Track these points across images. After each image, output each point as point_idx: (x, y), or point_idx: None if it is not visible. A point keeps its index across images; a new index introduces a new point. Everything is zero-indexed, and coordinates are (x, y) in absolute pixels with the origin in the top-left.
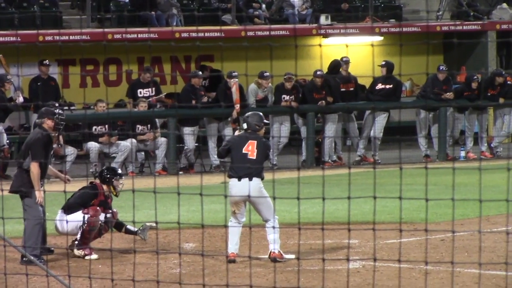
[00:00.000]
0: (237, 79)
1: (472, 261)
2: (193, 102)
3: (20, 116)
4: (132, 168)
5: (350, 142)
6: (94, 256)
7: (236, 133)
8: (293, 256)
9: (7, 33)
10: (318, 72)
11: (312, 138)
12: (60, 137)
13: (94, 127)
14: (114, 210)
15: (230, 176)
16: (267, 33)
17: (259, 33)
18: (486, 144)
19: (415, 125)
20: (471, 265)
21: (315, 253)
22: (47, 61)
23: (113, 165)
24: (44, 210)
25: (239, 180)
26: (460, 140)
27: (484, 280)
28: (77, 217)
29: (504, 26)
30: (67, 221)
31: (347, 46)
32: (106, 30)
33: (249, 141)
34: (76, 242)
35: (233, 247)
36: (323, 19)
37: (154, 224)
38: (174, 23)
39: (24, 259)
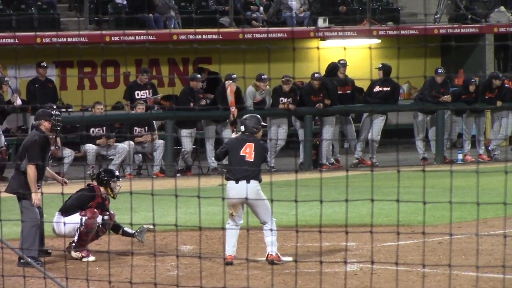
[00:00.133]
0: (231, 81)
1: (470, 264)
2: (191, 104)
3: (18, 118)
4: (130, 170)
5: (348, 144)
6: (91, 258)
7: (233, 135)
8: (290, 259)
9: (5, 35)
10: (316, 75)
11: (310, 140)
12: (58, 139)
13: (91, 129)
14: (112, 212)
15: (228, 179)
16: (265, 35)
17: (257, 35)
18: (483, 147)
19: (413, 128)
20: (468, 268)
21: (313, 255)
22: (44, 63)
23: (111, 167)
24: (42, 212)
25: (237, 182)
26: (458, 143)
27: (481, 283)
28: (75, 219)
29: (502, 29)
30: (64, 223)
31: (345, 48)
32: (104, 32)
33: (247, 143)
34: (74, 244)
35: (230, 249)
36: (321, 22)
37: (151, 226)
38: (172, 26)
39: (21, 261)
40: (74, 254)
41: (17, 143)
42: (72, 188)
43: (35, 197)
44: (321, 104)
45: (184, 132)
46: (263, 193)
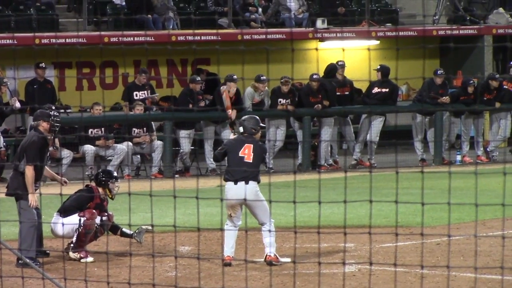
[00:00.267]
0: (225, 86)
1: (468, 265)
2: (190, 106)
3: (16, 119)
4: (128, 171)
5: (346, 146)
6: (89, 259)
7: (231, 136)
8: (289, 260)
9: (3, 35)
10: (314, 76)
11: (308, 141)
12: (56, 139)
13: (90, 130)
14: (110, 213)
15: (226, 180)
16: (264, 36)
17: (256, 36)
18: (482, 149)
19: (411, 129)
20: (466, 269)
21: (311, 256)
22: (43, 64)
23: (109, 168)
24: (40, 213)
25: (236, 183)
26: (456, 144)
27: (479, 284)
28: (73, 220)
29: (501, 31)
30: (63, 224)
31: (343, 50)
32: (102, 33)
33: (246, 144)
34: (72, 245)
35: (229, 250)
36: (319, 23)
37: (150, 227)
38: (171, 27)
39: (20, 261)
40: (72, 255)
41: (15, 144)
42: (71, 189)
43: (32, 198)
44: (319, 105)
45: (182, 133)
46: (261, 194)
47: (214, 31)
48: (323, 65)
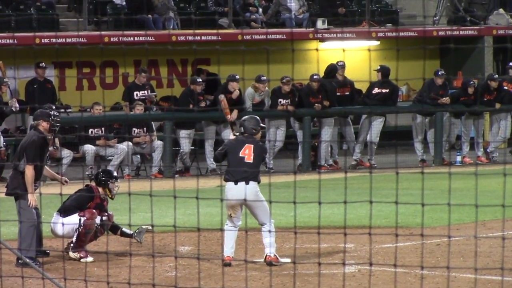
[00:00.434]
0: (223, 96)
1: (468, 266)
2: (191, 106)
3: (16, 119)
4: (128, 171)
5: (346, 146)
6: (89, 258)
7: (231, 136)
8: (288, 260)
9: (3, 35)
10: (315, 76)
11: (308, 142)
12: (56, 139)
13: (90, 130)
14: (110, 213)
15: (227, 180)
16: (264, 37)
17: (256, 37)
18: (482, 149)
19: (412, 130)
20: (466, 270)
21: (311, 257)
22: (43, 64)
23: (109, 168)
24: (39, 213)
25: (236, 183)
26: (456, 145)
27: (479, 285)
28: (73, 220)
29: (501, 32)
30: (63, 224)
31: (344, 50)
32: (102, 33)
33: (246, 144)
34: (72, 245)
35: (228, 250)
36: (320, 23)
37: (150, 227)
38: (171, 27)
39: (19, 261)
40: (72, 254)
41: (15, 144)
42: (71, 189)
43: (31, 198)
44: (319, 105)
45: (183, 133)
46: (261, 194)
47: (215, 31)
48: (324, 66)
